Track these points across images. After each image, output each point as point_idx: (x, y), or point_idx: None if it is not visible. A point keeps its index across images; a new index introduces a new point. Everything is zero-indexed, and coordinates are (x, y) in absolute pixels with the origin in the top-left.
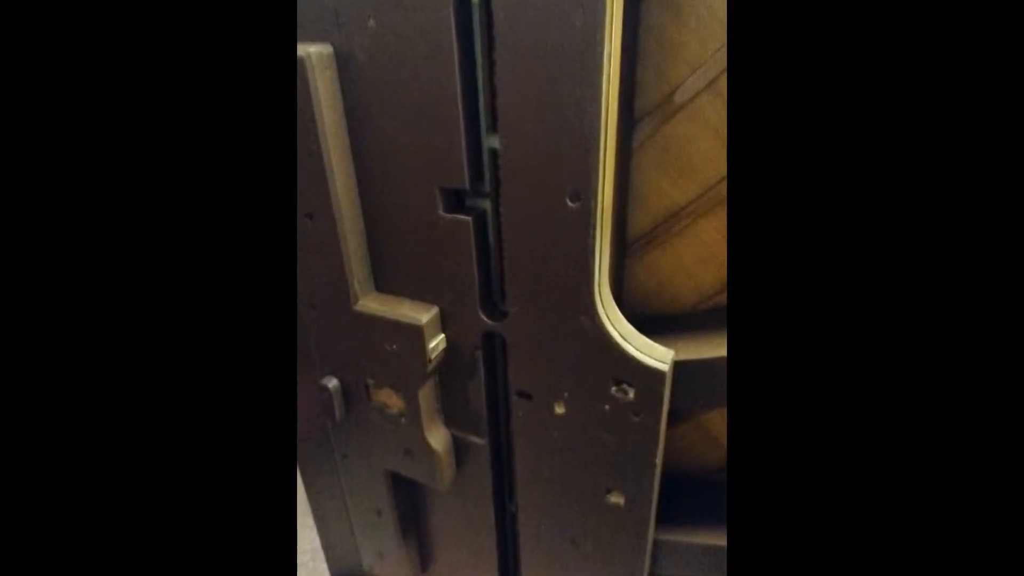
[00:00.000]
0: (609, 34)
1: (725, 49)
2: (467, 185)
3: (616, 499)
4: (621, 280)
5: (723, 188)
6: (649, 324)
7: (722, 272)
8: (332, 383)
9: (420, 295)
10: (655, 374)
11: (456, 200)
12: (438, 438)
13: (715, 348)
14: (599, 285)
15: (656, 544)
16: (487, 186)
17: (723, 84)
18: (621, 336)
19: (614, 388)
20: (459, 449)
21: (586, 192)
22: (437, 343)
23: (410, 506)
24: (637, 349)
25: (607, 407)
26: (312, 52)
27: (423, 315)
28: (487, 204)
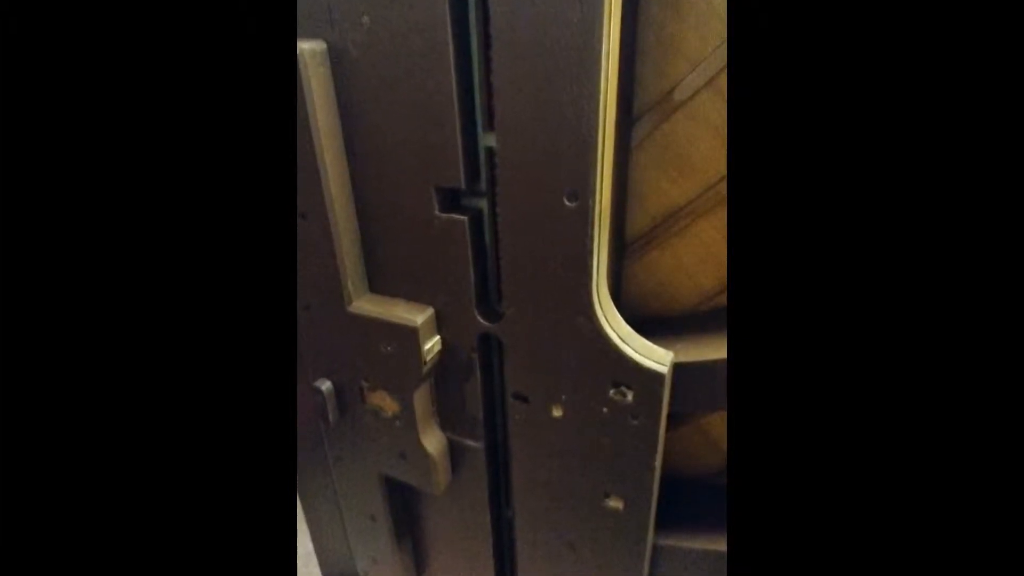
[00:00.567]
0: (607, 30)
1: (725, 45)
2: (463, 184)
3: (615, 503)
4: (619, 281)
5: (723, 187)
6: (648, 325)
7: (722, 273)
8: (325, 385)
9: (415, 296)
10: (654, 376)
11: (452, 199)
12: (433, 441)
13: (715, 350)
14: (597, 286)
15: (655, 549)
16: (483, 185)
17: (723, 81)
18: (619, 338)
19: (612, 390)
20: (455, 452)
21: (584, 191)
22: (432, 345)
23: (405, 511)
24: (636, 351)
25: (605, 410)
26: (305, 49)
27: (418, 316)
28: (483, 204)
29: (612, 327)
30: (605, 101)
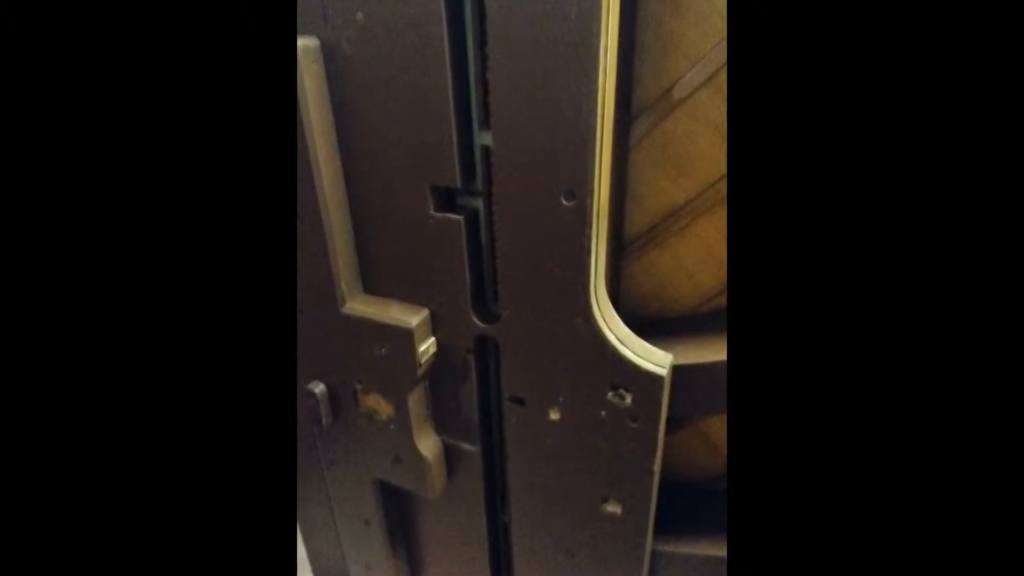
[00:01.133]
0: (605, 26)
1: (725, 42)
2: (458, 183)
3: (613, 508)
4: (618, 281)
5: (723, 186)
6: (647, 327)
7: (722, 273)
8: (319, 388)
9: (410, 297)
10: (653, 379)
11: (447, 199)
12: (428, 445)
13: (715, 352)
14: (595, 287)
15: (654, 555)
16: (479, 184)
17: (723, 79)
18: (618, 339)
19: (611, 393)
20: (450, 456)
21: (581, 190)
22: (427, 347)
23: (399, 516)
24: (634, 353)
25: (603, 413)
26: (298, 46)
27: (413, 318)
28: (479, 203)
29: (610, 328)
30: (603, 98)
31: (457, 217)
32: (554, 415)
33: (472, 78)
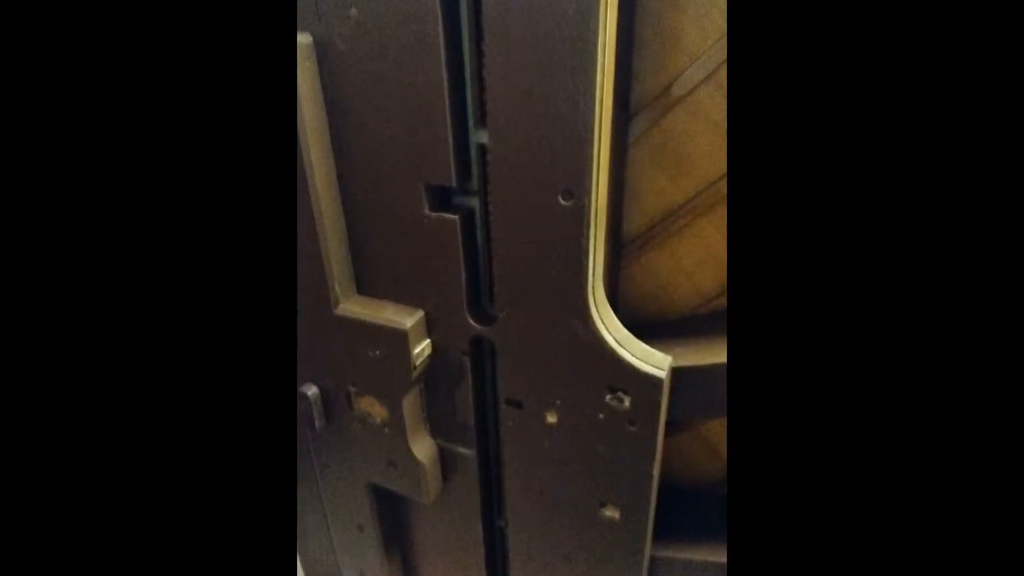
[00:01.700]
0: (603, 22)
1: (725, 38)
2: (454, 182)
3: (611, 513)
4: (616, 282)
5: (723, 185)
6: (646, 328)
7: (723, 274)
8: (312, 391)
9: (405, 298)
10: (652, 381)
11: (442, 198)
12: (423, 449)
13: (716, 354)
14: (593, 287)
15: (653, 561)
16: (475, 183)
17: (723, 76)
18: (616, 341)
19: (609, 396)
20: (445, 460)
21: (579, 189)
22: (422, 349)
23: (393, 521)
24: (633, 355)
25: (601, 416)
26: None
27: (407, 319)
28: (475, 202)
29: (608, 330)
30: (601, 96)
31: (453, 217)
32: (551, 418)
33: (468, 75)
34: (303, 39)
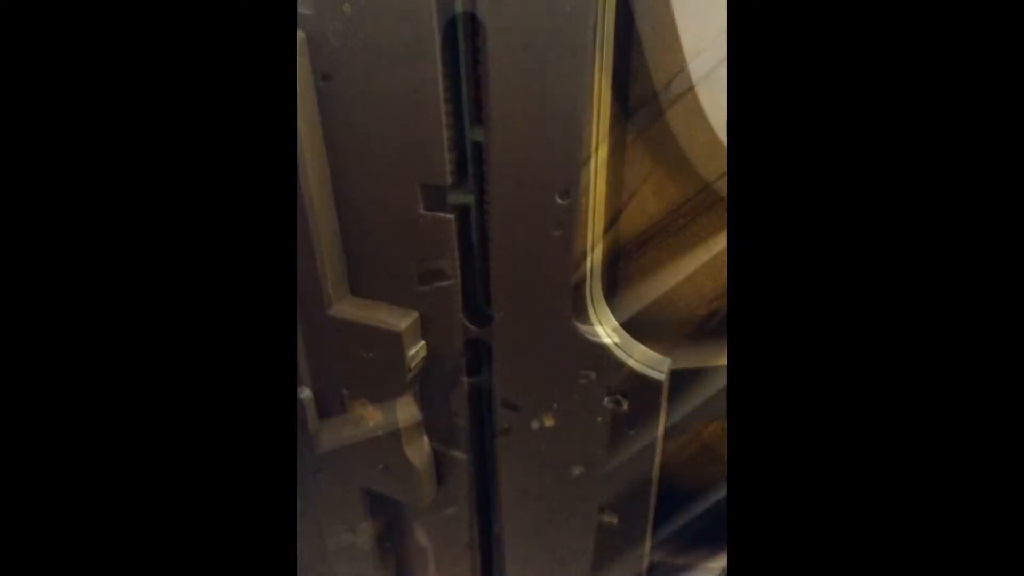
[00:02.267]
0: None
1: (725, 35)
2: (449, 180)
3: (609, 518)
4: (615, 282)
5: (723, 184)
6: (645, 330)
7: (723, 274)
8: (305, 393)
9: (399, 300)
10: (651, 384)
11: (438, 197)
12: (418, 452)
13: (716, 356)
14: (591, 288)
15: (652, 566)
16: (471, 182)
17: (724, 73)
18: (615, 343)
19: (607, 399)
20: (440, 464)
21: (576, 189)
22: (417, 351)
23: (388, 525)
24: (632, 357)
25: (600, 420)
26: None
27: (402, 321)
28: (471, 200)
29: (606, 332)
30: (599, 93)
31: (448, 216)
32: (548, 422)
33: (464, 72)
34: (297, 35)
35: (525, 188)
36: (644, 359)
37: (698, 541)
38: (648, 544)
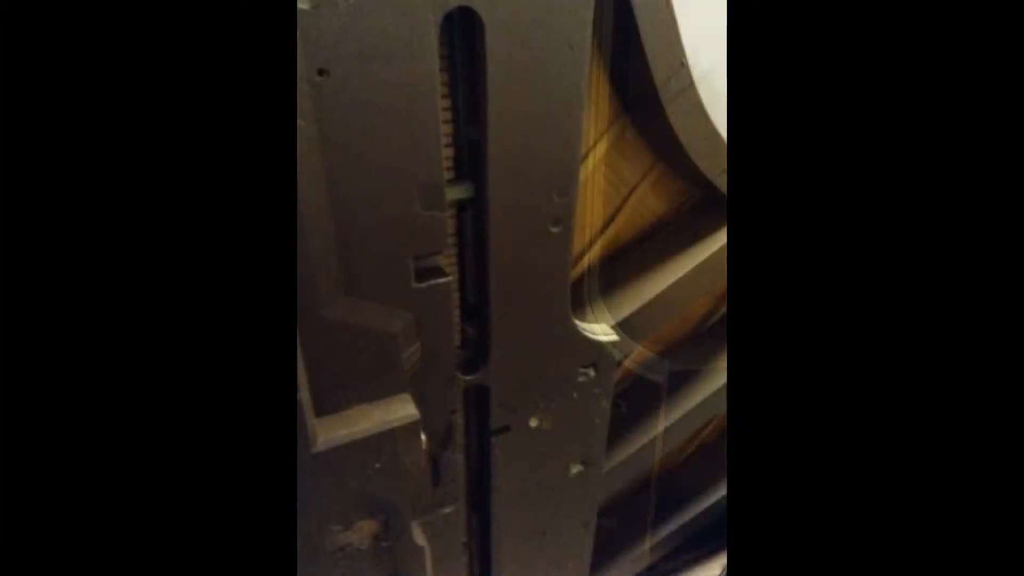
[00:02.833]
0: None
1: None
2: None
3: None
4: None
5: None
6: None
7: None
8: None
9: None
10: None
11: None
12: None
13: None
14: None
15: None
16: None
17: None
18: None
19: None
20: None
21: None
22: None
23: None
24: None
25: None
26: None
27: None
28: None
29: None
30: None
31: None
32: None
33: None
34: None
35: (523, 184)
36: (643, 360)
37: (699, 543)
38: (647, 544)
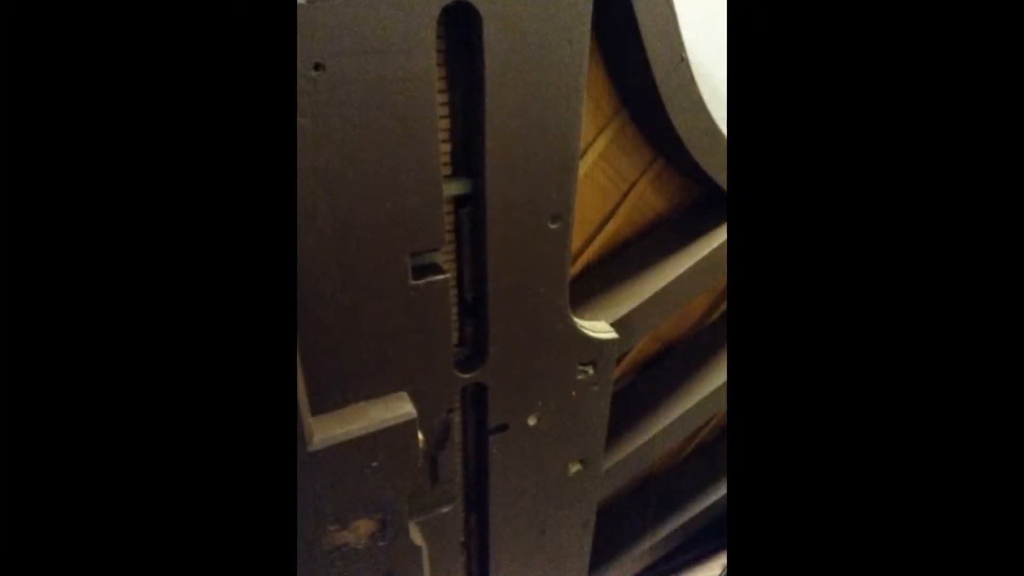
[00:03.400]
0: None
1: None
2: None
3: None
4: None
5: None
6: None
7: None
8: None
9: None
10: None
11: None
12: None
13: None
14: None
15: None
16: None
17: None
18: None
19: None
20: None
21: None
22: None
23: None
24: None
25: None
26: None
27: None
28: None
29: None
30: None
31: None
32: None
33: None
34: None
35: (521, 180)
36: (642, 357)
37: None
38: (647, 544)
